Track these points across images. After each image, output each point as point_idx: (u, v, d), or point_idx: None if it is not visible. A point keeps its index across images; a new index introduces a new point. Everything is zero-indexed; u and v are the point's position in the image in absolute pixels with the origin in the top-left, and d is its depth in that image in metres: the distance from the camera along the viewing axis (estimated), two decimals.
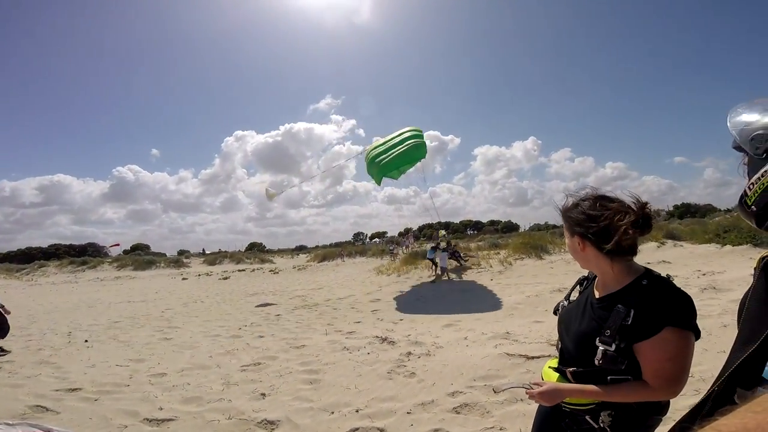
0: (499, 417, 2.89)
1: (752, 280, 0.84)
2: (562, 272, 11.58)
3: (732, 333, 0.84)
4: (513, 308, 7.63)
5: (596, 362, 1.17)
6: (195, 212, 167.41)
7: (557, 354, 1.46)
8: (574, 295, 1.49)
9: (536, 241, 14.70)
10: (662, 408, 1.26)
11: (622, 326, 1.14)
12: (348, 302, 10.24)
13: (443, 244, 14.13)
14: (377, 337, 5.66)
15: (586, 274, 1.48)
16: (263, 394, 3.77)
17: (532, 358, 4.06)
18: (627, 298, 1.17)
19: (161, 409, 3.52)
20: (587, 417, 1.27)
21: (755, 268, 0.88)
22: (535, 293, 8.58)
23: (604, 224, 1.20)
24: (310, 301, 10.67)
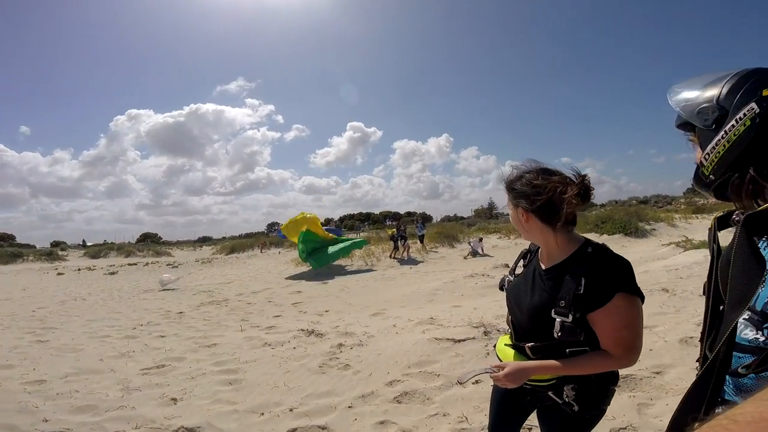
0: (440, 402, 2.91)
1: (731, 239, 0.82)
2: (471, 259, 12.44)
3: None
4: (433, 294, 7.91)
5: (555, 334, 1.15)
6: (73, 198, 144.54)
7: (507, 330, 1.44)
8: (519, 270, 1.49)
9: (449, 231, 15.51)
10: (616, 378, 1.30)
11: (575, 296, 1.13)
12: (264, 296, 9.67)
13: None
14: (303, 330, 5.39)
15: (528, 248, 1.48)
16: (174, 399, 3.34)
17: (459, 341, 4.19)
18: (575, 266, 1.18)
19: (46, 420, 2.93)
20: (550, 393, 1.26)
21: (710, 228, 0.95)
22: (450, 279, 9.02)
23: (548, 196, 1.21)
24: (219, 296, 9.83)
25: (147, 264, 21.75)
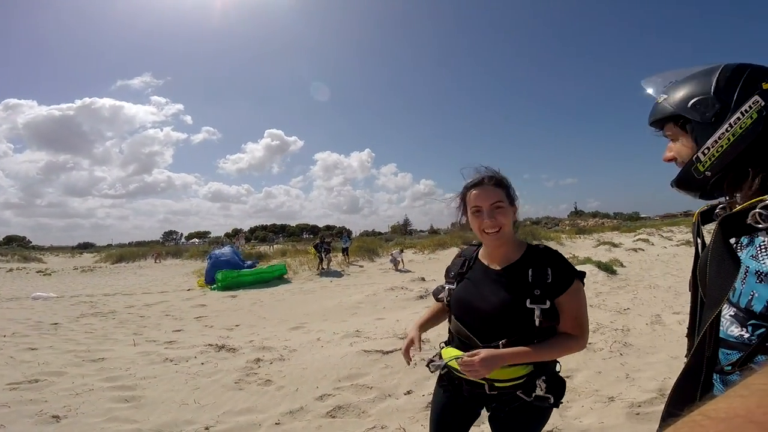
0: (377, 415, 2.73)
1: (708, 240, 0.83)
2: (391, 273, 12.56)
3: None
4: (356, 307, 7.71)
5: (536, 321, 1.19)
6: None
7: (441, 345, 1.43)
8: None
9: (369, 245, 15.53)
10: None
11: (546, 284, 1.21)
12: (160, 309, 8.56)
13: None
14: (211, 345, 4.79)
15: (460, 254, 1.50)
16: (57, 417, 2.79)
17: (388, 352, 4.07)
18: (535, 261, 1.26)
19: None
20: (519, 392, 1.25)
21: (694, 223, 0.94)
22: (372, 292, 8.91)
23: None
24: (104, 307, 8.46)
25: (11, 270, 18.13)
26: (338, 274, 13.32)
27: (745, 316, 0.78)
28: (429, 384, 3.23)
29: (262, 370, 3.76)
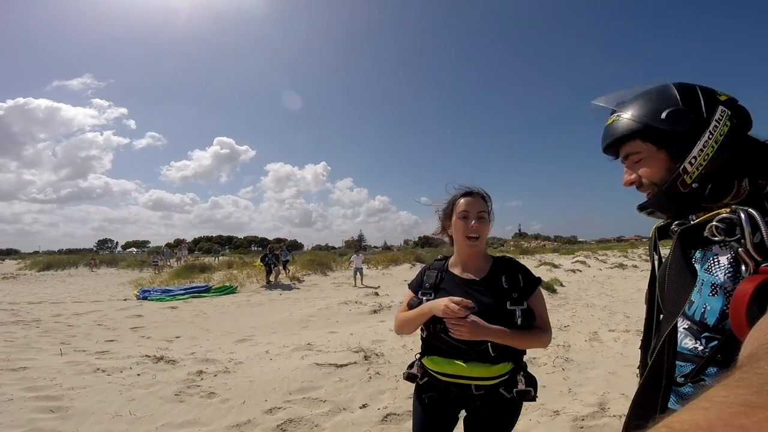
0: (331, 429, 2.64)
1: (668, 252, 0.82)
2: (344, 287, 12.37)
3: None
4: (307, 321, 7.48)
5: (516, 321, 1.29)
6: None
7: (416, 356, 1.48)
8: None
9: (322, 259, 15.26)
10: None
11: (520, 288, 1.35)
12: (91, 318, 7.82)
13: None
14: (148, 356, 4.43)
15: (430, 266, 1.55)
16: None
17: (341, 366, 3.98)
18: (505, 269, 1.40)
19: None
20: (501, 389, 1.33)
21: (651, 238, 0.92)
22: (324, 306, 8.72)
23: None
24: (27, 315, 7.60)
25: None
26: (288, 287, 12.91)
27: (699, 328, 0.80)
28: (384, 398, 3.19)
29: (205, 383, 3.52)
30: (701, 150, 0.78)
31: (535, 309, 1.36)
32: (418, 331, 1.46)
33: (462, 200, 1.44)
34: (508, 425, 1.38)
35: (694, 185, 0.80)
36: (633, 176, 0.89)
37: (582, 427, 2.61)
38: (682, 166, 0.80)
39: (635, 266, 16.37)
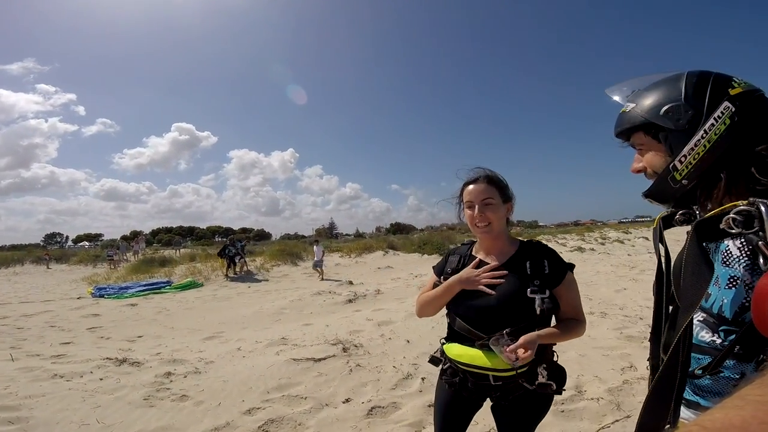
0: (316, 427, 2.55)
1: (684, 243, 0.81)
2: (316, 277, 12.20)
3: None
4: (279, 313, 7.30)
5: (537, 310, 1.25)
6: None
7: (442, 340, 1.46)
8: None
9: (292, 249, 14.96)
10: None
11: (544, 275, 1.28)
12: (43, 319, 7.31)
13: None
14: (110, 358, 4.15)
15: (454, 250, 1.55)
16: None
17: (320, 360, 3.89)
18: (531, 254, 1.34)
19: None
20: (521, 380, 1.29)
21: (655, 228, 0.90)
22: (297, 297, 8.56)
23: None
24: None
25: None
26: (256, 280, 12.57)
27: (716, 321, 0.80)
28: (367, 390, 3.14)
29: (175, 385, 3.33)
30: (692, 149, 0.78)
31: (563, 299, 1.31)
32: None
33: (467, 188, 1.40)
34: (535, 417, 1.35)
35: (684, 182, 0.81)
36: (640, 165, 0.91)
37: (563, 411, 2.68)
38: (671, 164, 0.82)
39: (593, 249, 17.13)
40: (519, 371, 1.25)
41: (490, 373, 1.27)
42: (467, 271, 1.36)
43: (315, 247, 12.70)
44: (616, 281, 8.05)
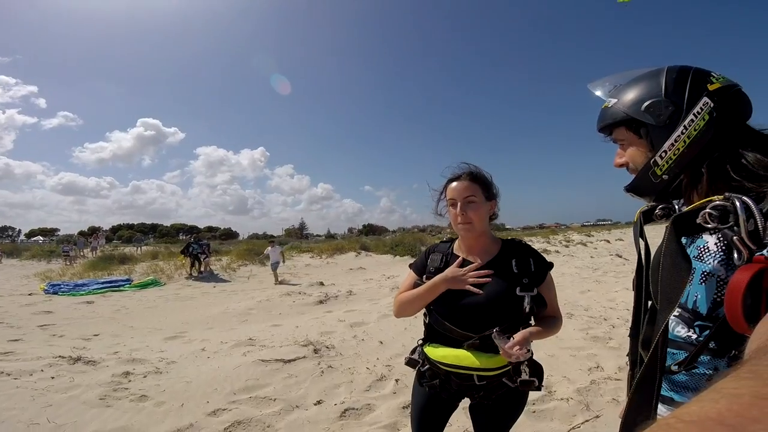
0: (285, 429, 2.46)
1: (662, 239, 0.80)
2: (285, 278, 11.94)
3: None
4: (246, 314, 7.06)
5: (525, 308, 1.25)
6: None
7: (419, 341, 1.44)
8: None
9: (259, 248, 14.60)
10: None
11: (531, 273, 1.29)
12: None
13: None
14: (63, 357, 3.88)
15: (433, 248, 1.50)
16: None
17: (289, 361, 3.78)
18: (515, 253, 1.34)
19: None
20: (504, 379, 1.29)
21: (635, 222, 0.91)
22: (265, 297, 8.34)
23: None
24: None
25: None
26: (222, 279, 12.17)
27: (691, 317, 0.79)
28: (340, 392, 3.07)
29: (134, 385, 3.14)
30: (672, 144, 0.79)
31: (546, 296, 1.31)
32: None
33: (450, 186, 1.37)
34: (513, 415, 1.35)
35: (664, 177, 0.82)
36: (622, 159, 0.92)
37: (534, 411, 2.71)
38: (652, 159, 0.83)
39: (557, 251, 17.64)
40: (504, 370, 1.25)
41: (476, 372, 1.25)
42: (453, 270, 1.33)
43: (270, 247, 11.70)
44: (580, 283, 8.29)
